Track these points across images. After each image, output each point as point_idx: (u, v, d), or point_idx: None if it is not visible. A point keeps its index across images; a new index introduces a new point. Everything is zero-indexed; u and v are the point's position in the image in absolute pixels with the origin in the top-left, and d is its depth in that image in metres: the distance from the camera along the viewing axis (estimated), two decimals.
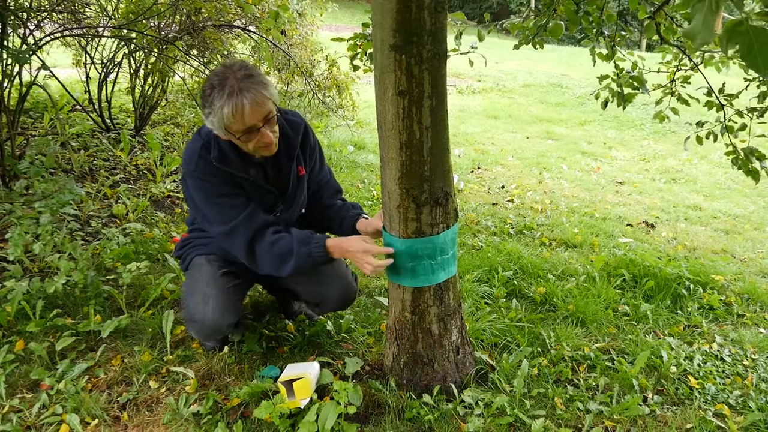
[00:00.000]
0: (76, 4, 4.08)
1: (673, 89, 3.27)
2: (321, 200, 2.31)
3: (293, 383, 1.96)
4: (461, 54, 2.97)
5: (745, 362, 2.53)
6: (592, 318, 2.74)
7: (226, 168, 1.95)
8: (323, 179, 2.32)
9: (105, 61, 4.58)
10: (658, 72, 3.27)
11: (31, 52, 3.14)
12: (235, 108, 1.76)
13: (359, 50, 3.31)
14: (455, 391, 2.08)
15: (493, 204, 4.49)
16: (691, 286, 3.11)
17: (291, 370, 2.06)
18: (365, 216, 2.22)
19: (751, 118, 2.84)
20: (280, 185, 2.12)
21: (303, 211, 2.39)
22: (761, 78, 2.62)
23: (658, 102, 3.33)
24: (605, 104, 3.21)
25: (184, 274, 2.29)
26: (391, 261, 1.95)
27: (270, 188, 2.08)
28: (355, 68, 3.42)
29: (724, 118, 2.87)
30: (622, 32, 3.09)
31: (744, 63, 0.83)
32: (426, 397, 2.04)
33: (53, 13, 3.79)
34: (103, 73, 4.57)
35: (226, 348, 2.27)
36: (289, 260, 1.94)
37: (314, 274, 2.21)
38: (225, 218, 1.96)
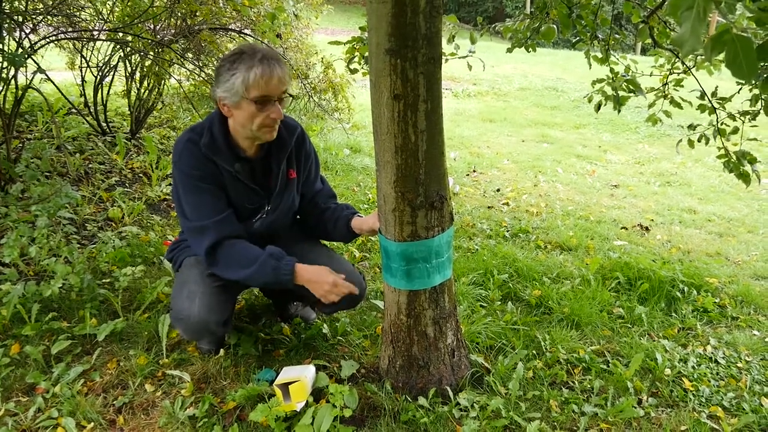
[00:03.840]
0: (72, 8, 4.08)
1: (666, 92, 3.30)
2: (317, 206, 2.32)
3: (289, 386, 1.96)
4: (459, 58, 2.98)
5: (739, 364, 2.55)
6: (587, 321, 2.75)
7: (213, 157, 1.96)
8: (318, 187, 2.33)
9: (100, 64, 4.58)
10: (650, 75, 3.30)
11: (26, 56, 3.14)
12: (264, 71, 1.83)
13: (356, 54, 3.32)
14: (451, 393, 2.09)
15: (489, 207, 4.50)
16: (686, 288, 3.13)
17: (287, 373, 2.06)
18: (359, 215, 2.23)
19: (744, 122, 2.86)
20: (267, 185, 2.12)
21: (297, 217, 2.39)
22: (753, 82, 2.64)
23: (650, 105, 3.35)
24: (598, 107, 3.23)
25: (174, 275, 2.29)
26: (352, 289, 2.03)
27: (255, 187, 2.08)
28: (353, 71, 3.43)
29: (717, 121, 2.89)
30: (616, 36, 3.12)
31: (730, 70, 0.85)
32: (422, 400, 2.05)
33: (48, 17, 3.79)
34: (98, 77, 4.57)
35: (221, 351, 2.27)
36: (250, 266, 1.96)
37: None
38: (200, 215, 1.98)
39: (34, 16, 3.53)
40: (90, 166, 4.09)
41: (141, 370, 2.17)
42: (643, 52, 15.56)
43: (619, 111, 3.14)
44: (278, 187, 2.13)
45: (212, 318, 2.04)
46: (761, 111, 2.78)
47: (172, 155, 2.02)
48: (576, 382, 2.29)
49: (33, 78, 3.46)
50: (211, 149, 1.96)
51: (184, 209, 2.02)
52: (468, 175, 5.46)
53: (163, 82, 4.82)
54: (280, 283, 1.99)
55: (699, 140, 3.06)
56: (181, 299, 2.06)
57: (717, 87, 3.00)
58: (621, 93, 3.11)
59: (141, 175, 4.21)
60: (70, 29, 4.07)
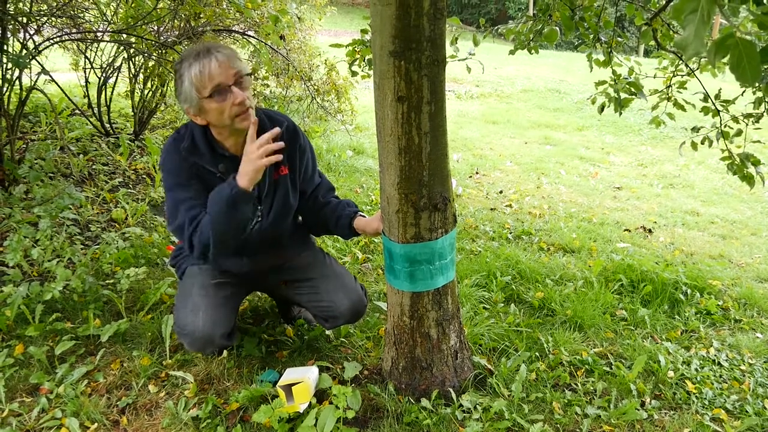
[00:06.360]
0: (76, 9, 4.10)
1: (670, 95, 3.29)
2: (317, 201, 2.26)
3: (292, 387, 1.97)
4: (459, 61, 2.98)
5: (742, 367, 2.54)
6: (590, 323, 2.75)
7: (194, 159, 1.91)
8: (316, 181, 2.28)
9: (104, 65, 4.60)
10: (654, 77, 3.29)
11: (30, 57, 3.16)
12: (202, 66, 1.77)
13: (357, 56, 3.32)
14: (454, 395, 2.09)
15: (492, 209, 4.50)
16: (689, 291, 3.12)
17: (290, 375, 2.06)
18: (362, 214, 2.19)
19: (747, 124, 2.86)
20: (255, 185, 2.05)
21: (299, 220, 2.36)
22: (757, 84, 2.64)
23: (654, 107, 3.35)
24: (602, 109, 3.23)
25: (178, 284, 2.28)
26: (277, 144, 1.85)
27: None
28: (354, 74, 3.44)
29: (720, 123, 2.89)
30: (619, 38, 3.12)
31: (733, 74, 0.85)
32: (424, 402, 2.05)
33: (53, 18, 3.80)
34: (102, 78, 4.58)
35: (225, 352, 2.27)
36: (209, 216, 1.86)
37: (323, 289, 2.21)
38: (179, 212, 1.92)
39: (38, 18, 3.54)
40: (93, 167, 4.11)
41: (144, 371, 2.18)
42: (646, 54, 15.55)
43: (621, 113, 3.14)
44: (266, 185, 2.05)
45: (217, 332, 2.03)
46: (765, 113, 2.77)
47: (159, 159, 1.99)
48: (579, 384, 2.29)
49: (37, 79, 3.47)
50: (192, 153, 1.92)
51: (168, 209, 1.97)
52: (471, 176, 5.46)
53: (166, 83, 4.83)
54: (235, 195, 1.82)
55: (702, 142, 3.06)
56: (185, 312, 2.04)
57: (720, 89, 2.99)
58: (623, 95, 3.11)
59: (144, 176, 4.22)
60: (74, 30, 4.09)
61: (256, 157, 1.79)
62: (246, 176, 1.81)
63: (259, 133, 1.97)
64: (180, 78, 1.81)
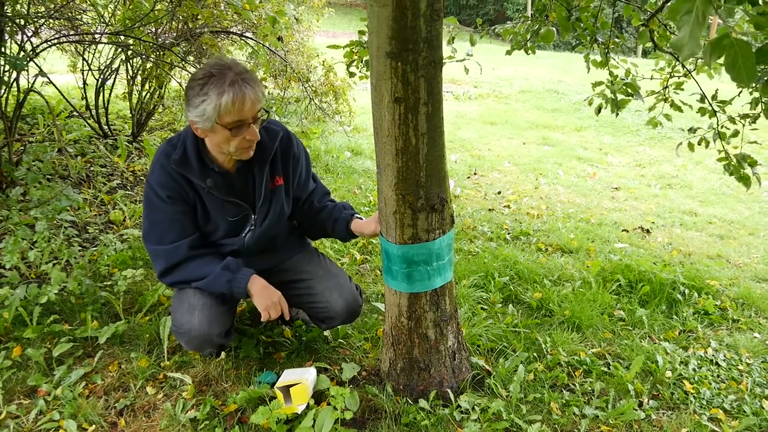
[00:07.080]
0: (74, 11, 4.10)
1: (666, 96, 3.30)
2: (312, 207, 2.27)
3: (290, 389, 1.97)
4: (456, 62, 2.98)
5: (740, 367, 2.55)
6: (588, 323, 2.75)
7: (183, 172, 1.92)
8: (311, 187, 2.29)
9: (102, 67, 4.60)
10: (651, 78, 3.30)
11: (28, 59, 3.16)
12: (235, 97, 1.76)
13: (355, 57, 3.32)
14: (452, 396, 2.09)
15: (490, 210, 4.50)
16: (687, 291, 3.13)
17: (288, 376, 2.06)
18: (359, 216, 2.20)
19: (744, 125, 2.87)
20: (249, 196, 2.07)
21: (294, 223, 2.36)
22: (753, 85, 2.65)
23: (651, 108, 3.36)
24: (599, 110, 3.23)
25: None
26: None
27: (233, 200, 2.01)
28: (352, 75, 3.44)
29: (717, 124, 2.89)
30: (616, 39, 3.12)
31: (729, 74, 0.86)
32: (422, 403, 2.05)
33: (51, 20, 3.80)
34: (100, 80, 4.58)
35: (223, 354, 2.27)
36: (201, 279, 2.00)
37: (318, 290, 2.22)
38: (153, 238, 2.00)
39: (36, 20, 3.54)
40: (91, 169, 4.10)
41: (142, 373, 2.17)
42: (645, 54, 15.57)
43: (617, 114, 3.14)
44: (262, 197, 2.06)
45: (214, 330, 2.04)
46: (761, 114, 2.78)
47: (150, 165, 2.01)
48: (577, 385, 2.29)
49: (35, 81, 3.47)
50: (181, 165, 1.91)
51: (144, 226, 2.03)
52: (469, 177, 5.47)
53: (164, 85, 4.83)
54: (233, 295, 2.02)
55: (699, 143, 3.07)
56: (182, 312, 2.05)
57: (717, 90, 3.00)
58: (620, 96, 3.11)
59: (142, 177, 4.22)
60: (72, 32, 4.09)
61: (271, 305, 2.00)
62: (254, 297, 2.00)
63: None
64: (204, 95, 1.77)
